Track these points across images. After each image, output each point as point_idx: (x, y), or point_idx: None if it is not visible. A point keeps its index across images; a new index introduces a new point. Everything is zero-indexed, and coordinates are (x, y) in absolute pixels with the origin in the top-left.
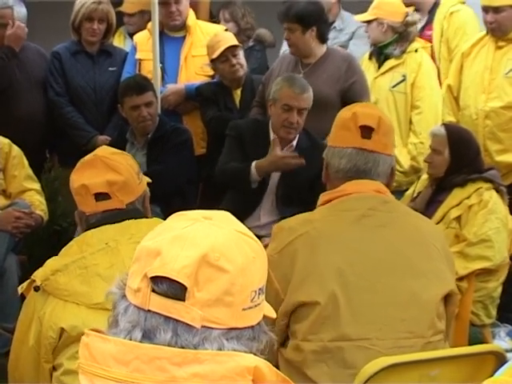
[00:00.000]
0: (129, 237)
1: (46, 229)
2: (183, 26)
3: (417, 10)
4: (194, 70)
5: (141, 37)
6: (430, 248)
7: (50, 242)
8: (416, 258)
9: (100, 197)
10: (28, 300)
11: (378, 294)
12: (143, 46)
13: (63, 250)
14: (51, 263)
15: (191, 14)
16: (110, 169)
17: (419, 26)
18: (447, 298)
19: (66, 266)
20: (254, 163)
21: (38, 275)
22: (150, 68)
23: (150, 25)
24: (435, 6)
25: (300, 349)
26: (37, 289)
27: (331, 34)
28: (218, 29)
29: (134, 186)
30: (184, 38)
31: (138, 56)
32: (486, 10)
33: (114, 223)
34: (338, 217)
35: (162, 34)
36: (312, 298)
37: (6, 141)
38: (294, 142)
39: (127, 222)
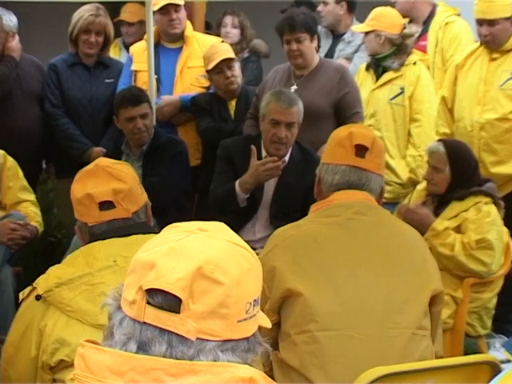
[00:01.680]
0: None
1: (41, 240)
2: (180, 37)
3: (411, 21)
4: (189, 82)
5: (137, 48)
6: (412, 249)
7: (45, 254)
8: (399, 255)
9: (104, 206)
10: (26, 307)
11: (362, 287)
12: (139, 57)
13: (68, 258)
14: (55, 272)
15: (188, 24)
16: (113, 177)
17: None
18: (433, 298)
19: (71, 280)
20: (237, 182)
21: (41, 284)
22: (146, 79)
23: (146, 35)
24: (430, 17)
25: (293, 343)
26: (38, 298)
27: (339, 46)
28: (214, 40)
29: (137, 194)
30: (180, 49)
31: (133, 67)
32: (481, 22)
33: (121, 237)
34: (324, 221)
35: (158, 45)
36: (296, 288)
37: (1, 152)
38: (287, 157)
39: (135, 236)
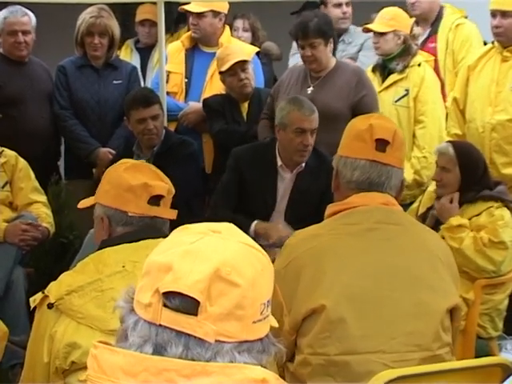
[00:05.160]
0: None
1: (53, 241)
2: (216, 42)
3: (418, 21)
4: (218, 88)
5: (173, 48)
6: (435, 261)
7: (57, 255)
8: (421, 270)
9: (153, 201)
10: (40, 317)
11: (384, 307)
12: (173, 58)
13: (79, 266)
14: (66, 280)
15: (226, 30)
16: (160, 177)
17: (421, 38)
18: (452, 313)
19: (81, 287)
20: (254, 224)
21: (52, 292)
22: (177, 81)
23: (184, 37)
24: (438, 18)
25: (307, 362)
26: (50, 306)
27: (340, 47)
28: (251, 49)
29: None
30: (214, 54)
31: (166, 68)
32: (494, 14)
33: (131, 242)
34: (344, 230)
35: (194, 47)
36: (319, 303)
37: (13, 153)
38: (303, 163)
39: (145, 241)
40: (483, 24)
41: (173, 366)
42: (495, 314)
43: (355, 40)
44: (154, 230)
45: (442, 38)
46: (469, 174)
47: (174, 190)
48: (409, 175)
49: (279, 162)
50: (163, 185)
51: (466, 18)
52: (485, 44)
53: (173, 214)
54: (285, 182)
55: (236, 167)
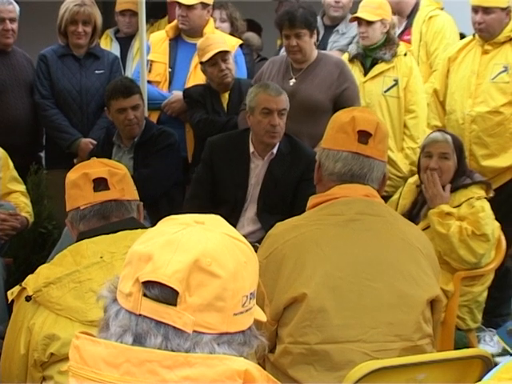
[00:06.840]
0: (124, 251)
1: (32, 231)
2: (200, 33)
3: (394, 14)
4: (202, 78)
5: (156, 38)
6: (416, 252)
7: (36, 245)
8: (402, 261)
9: (99, 187)
10: (18, 308)
11: (365, 297)
12: (156, 48)
13: (56, 258)
14: (44, 272)
15: (210, 22)
16: (108, 166)
17: (398, 31)
18: (433, 304)
19: (59, 279)
20: None
21: (30, 284)
22: (161, 70)
23: (168, 27)
24: (413, 11)
25: (288, 351)
26: (28, 299)
27: (333, 37)
28: (234, 41)
29: (132, 184)
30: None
31: (149, 57)
32: (476, 10)
33: (109, 233)
34: (326, 221)
35: (177, 37)
36: (300, 291)
37: None
38: (275, 150)
39: (123, 232)
40: (460, 15)
41: (155, 357)
42: (474, 306)
43: (349, 32)
44: (131, 221)
45: (415, 30)
46: (461, 159)
47: (118, 171)
48: (405, 167)
49: (251, 149)
50: (102, 169)
51: (441, 9)
52: (462, 36)
53: (121, 193)
54: (257, 169)
55: (209, 158)
